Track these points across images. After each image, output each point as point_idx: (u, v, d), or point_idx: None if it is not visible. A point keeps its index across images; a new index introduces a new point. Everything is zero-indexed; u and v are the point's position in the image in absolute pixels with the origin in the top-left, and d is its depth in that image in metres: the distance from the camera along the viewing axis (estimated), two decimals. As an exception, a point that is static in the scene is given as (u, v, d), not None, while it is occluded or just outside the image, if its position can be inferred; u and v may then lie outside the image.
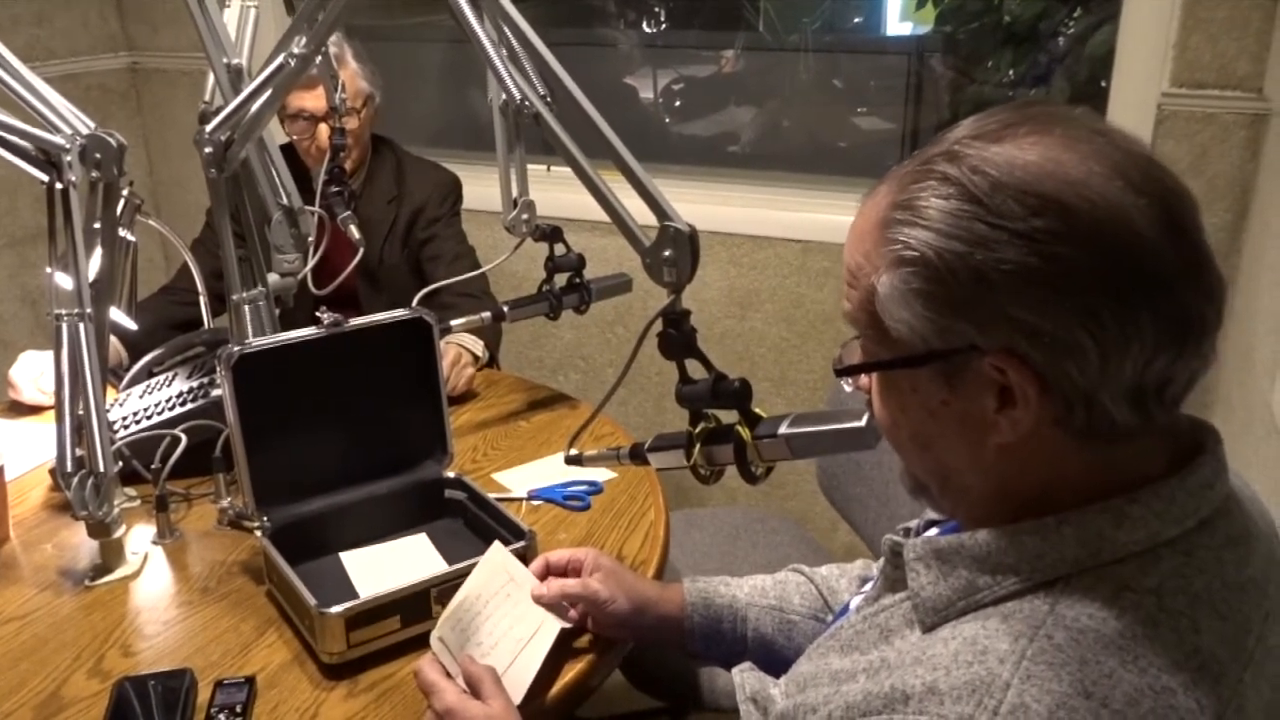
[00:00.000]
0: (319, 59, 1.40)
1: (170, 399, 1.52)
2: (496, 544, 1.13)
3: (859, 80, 2.71)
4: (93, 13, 2.90)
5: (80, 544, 1.34)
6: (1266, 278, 1.64)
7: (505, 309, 1.59)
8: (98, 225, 1.26)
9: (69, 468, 1.23)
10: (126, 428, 1.48)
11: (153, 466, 1.36)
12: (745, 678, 0.91)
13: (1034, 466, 0.66)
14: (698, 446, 1.05)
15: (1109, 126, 0.65)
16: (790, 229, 2.39)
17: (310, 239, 1.54)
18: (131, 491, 1.42)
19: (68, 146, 1.21)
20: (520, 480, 1.50)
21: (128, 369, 1.68)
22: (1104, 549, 0.64)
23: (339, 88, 1.69)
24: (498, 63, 1.25)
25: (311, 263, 1.56)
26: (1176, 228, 0.62)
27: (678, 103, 2.91)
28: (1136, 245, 0.60)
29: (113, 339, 1.71)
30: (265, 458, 1.22)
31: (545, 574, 1.13)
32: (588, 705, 1.13)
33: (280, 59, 1.32)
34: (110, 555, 1.29)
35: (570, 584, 1.09)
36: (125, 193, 1.30)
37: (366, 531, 1.32)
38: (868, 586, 0.86)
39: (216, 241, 1.46)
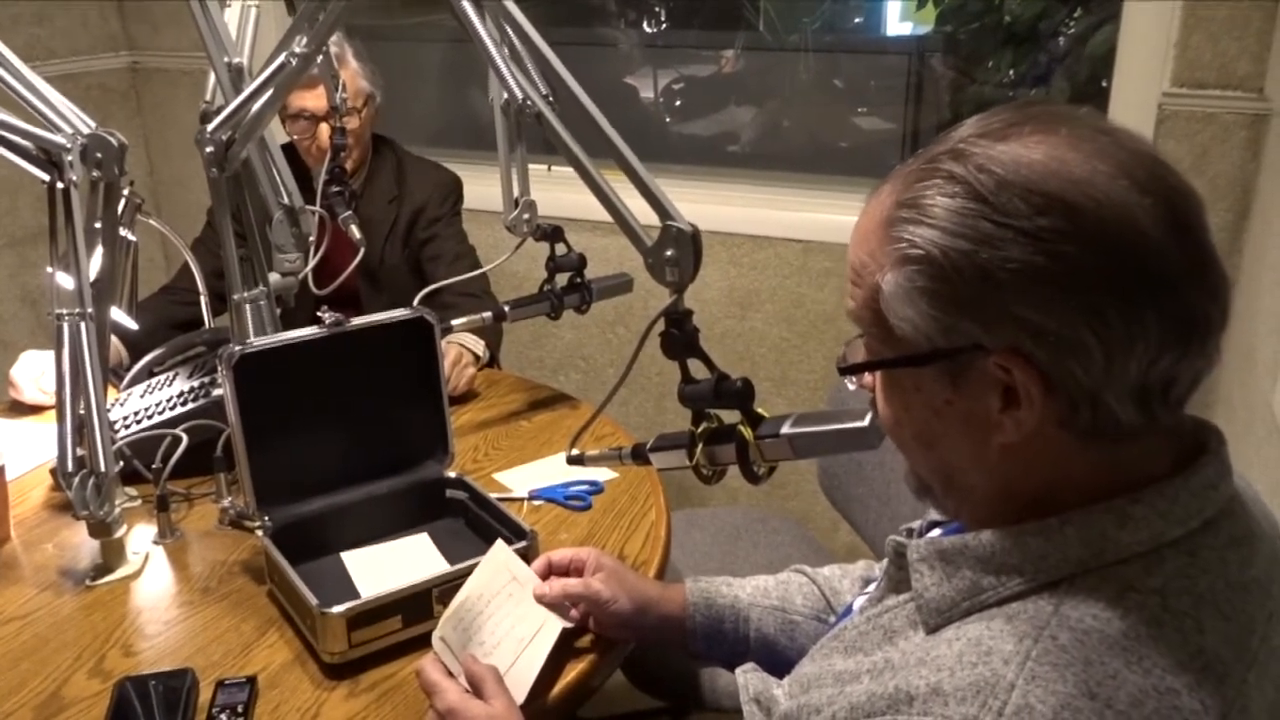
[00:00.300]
0: (320, 58, 1.40)
1: (171, 399, 1.52)
2: (499, 543, 1.13)
3: (859, 80, 2.70)
4: (93, 12, 2.90)
5: (81, 544, 1.34)
6: (1268, 278, 1.64)
7: (506, 309, 1.59)
8: (98, 225, 1.26)
9: (70, 467, 1.23)
10: (127, 427, 1.47)
11: (154, 466, 1.36)
12: (749, 679, 0.91)
13: (1038, 466, 0.66)
14: (700, 446, 1.05)
15: (1114, 126, 0.65)
16: (791, 229, 2.39)
17: (311, 239, 1.54)
18: (132, 491, 1.41)
19: (69, 146, 1.21)
20: (521, 480, 1.50)
21: (128, 369, 1.68)
22: (1108, 549, 0.63)
23: (340, 87, 1.69)
24: (500, 62, 1.25)
25: (312, 262, 1.56)
26: (1181, 227, 0.61)
27: (678, 102, 2.91)
28: (1141, 244, 0.60)
29: (113, 339, 1.71)
30: (266, 457, 1.22)
31: (547, 573, 1.13)
32: (589, 705, 1.13)
33: (281, 58, 1.32)
34: (111, 555, 1.29)
35: (572, 584, 1.09)
36: (126, 192, 1.31)
37: (368, 531, 1.32)
38: (871, 587, 0.86)
39: (217, 241, 1.46)
